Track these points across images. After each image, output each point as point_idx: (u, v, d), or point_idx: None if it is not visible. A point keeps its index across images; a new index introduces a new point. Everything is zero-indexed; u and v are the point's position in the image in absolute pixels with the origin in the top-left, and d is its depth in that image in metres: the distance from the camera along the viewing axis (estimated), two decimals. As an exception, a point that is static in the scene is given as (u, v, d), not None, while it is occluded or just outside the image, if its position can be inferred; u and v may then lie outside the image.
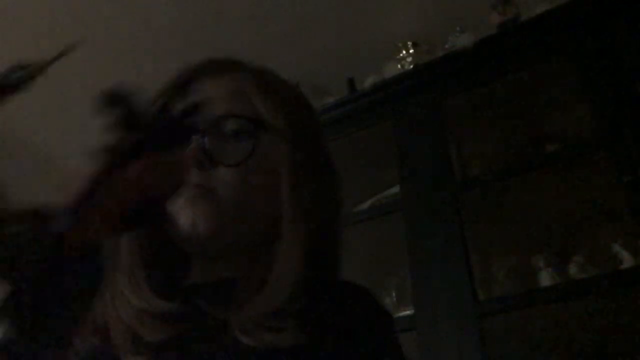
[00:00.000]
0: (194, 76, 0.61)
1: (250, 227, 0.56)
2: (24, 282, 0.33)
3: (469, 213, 1.50)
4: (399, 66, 1.82)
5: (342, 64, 2.09)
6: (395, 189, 1.63)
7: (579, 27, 1.49)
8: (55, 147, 2.29)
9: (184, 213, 0.53)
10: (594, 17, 1.48)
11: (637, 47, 1.41)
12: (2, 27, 2.02)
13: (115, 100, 0.38)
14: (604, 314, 1.31)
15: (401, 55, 1.83)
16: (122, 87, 0.37)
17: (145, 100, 0.40)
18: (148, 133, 0.37)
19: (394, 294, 1.70)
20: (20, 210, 0.36)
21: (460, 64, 1.64)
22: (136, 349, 0.49)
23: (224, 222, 0.54)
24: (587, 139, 1.46)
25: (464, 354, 1.26)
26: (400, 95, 1.70)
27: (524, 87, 1.60)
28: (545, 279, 1.46)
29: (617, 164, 1.30)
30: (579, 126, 1.54)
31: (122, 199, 0.36)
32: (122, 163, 0.35)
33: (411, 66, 1.78)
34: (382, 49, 1.92)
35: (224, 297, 0.53)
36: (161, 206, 0.45)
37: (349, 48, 2.14)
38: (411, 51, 1.82)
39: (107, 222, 0.35)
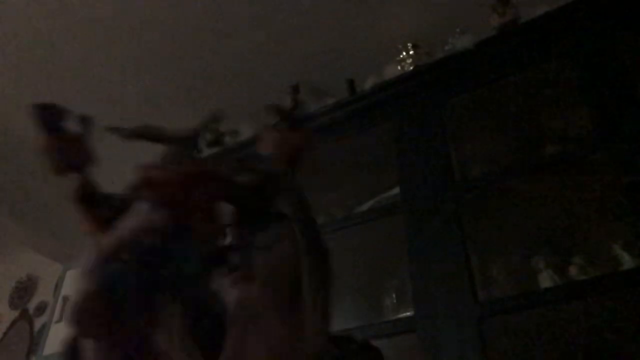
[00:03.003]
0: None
1: (278, 296, 0.68)
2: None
3: (469, 213, 1.50)
4: (399, 67, 1.83)
5: (342, 65, 2.10)
6: (396, 190, 1.63)
7: (578, 29, 1.49)
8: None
9: (232, 290, 0.65)
10: (593, 18, 1.48)
11: (636, 48, 1.41)
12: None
13: (46, 115, 0.48)
14: (604, 315, 1.31)
15: (401, 56, 1.83)
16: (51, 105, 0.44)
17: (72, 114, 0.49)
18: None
19: (394, 295, 1.70)
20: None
21: (460, 65, 1.64)
22: None
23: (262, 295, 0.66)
24: (587, 139, 1.46)
25: (464, 355, 1.26)
26: (400, 96, 1.71)
27: (524, 88, 1.61)
28: (545, 280, 1.46)
29: (617, 164, 1.30)
30: (579, 127, 1.54)
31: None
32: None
33: (411, 67, 1.79)
34: (383, 51, 1.92)
35: None
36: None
37: (349, 49, 2.14)
38: (411, 52, 1.82)
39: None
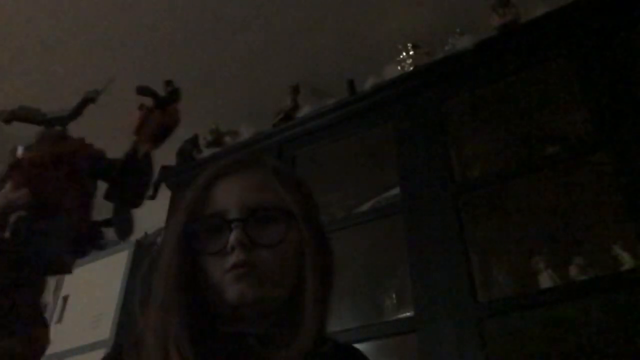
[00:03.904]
0: (220, 173, 0.74)
1: (281, 292, 0.69)
2: None
3: (469, 214, 1.50)
4: (399, 67, 1.83)
5: (343, 65, 2.10)
6: (396, 191, 1.63)
7: (578, 29, 1.49)
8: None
9: (233, 287, 0.66)
10: (593, 19, 1.48)
11: (636, 48, 1.42)
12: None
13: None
14: (604, 315, 1.31)
15: (401, 56, 1.84)
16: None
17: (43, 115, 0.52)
18: None
19: (394, 296, 1.70)
20: None
21: (460, 65, 1.64)
22: None
23: (265, 292, 0.67)
24: (586, 139, 1.46)
25: (464, 356, 1.26)
26: (400, 96, 1.71)
27: (524, 89, 1.61)
28: (545, 280, 1.46)
29: (617, 165, 1.30)
30: (579, 127, 1.54)
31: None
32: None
33: (411, 68, 1.79)
34: (382, 51, 1.92)
35: (262, 342, 0.67)
36: None
37: (349, 50, 2.15)
38: (411, 53, 1.83)
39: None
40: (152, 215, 2.44)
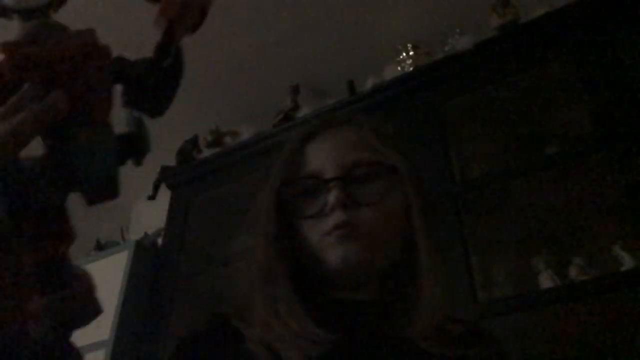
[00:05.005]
0: (311, 133, 0.70)
1: (387, 256, 0.64)
2: None
3: (469, 214, 1.50)
4: (399, 68, 1.83)
5: (342, 66, 2.10)
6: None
7: (578, 29, 1.49)
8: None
9: (335, 250, 0.61)
10: (592, 19, 1.48)
11: (636, 48, 1.41)
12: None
13: None
14: (604, 316, 1.31)
15: (401, 57, 1.84)
16: None
17: None
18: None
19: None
20: None
21: (460, 66, 1.64)
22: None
23: (370, 254, 0.62)
24: (586, 139, 1.46)
25: (464, 356, 1.26)
26: (400, 97, 1.71)
27: (524, 89, 1.61)
28: (545, 280, 1.46)
29: (617, 165, 1.30)
30: (579, 127, 1.54)
31: None
32: None
33: (411, 68, 1.79)
34: (382, 51, 1.92)
35: (376, 311, 0.62)
36: None
37: (349, 50, 2.15)
38: (411, 53, 1.83)
39: None
40: (152, 215, 2.44)
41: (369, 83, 1.84)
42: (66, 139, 0.33)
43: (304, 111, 1.94)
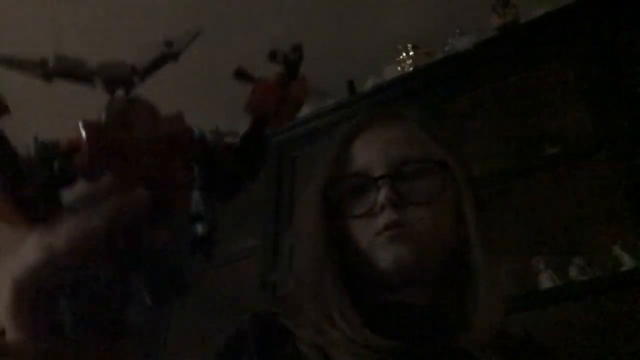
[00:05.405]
0: (358, 129, 0.67)
1: (440, 256, 0.62)
2: None
3: (468, 214, 1.49)
4: (399, 68, 1.83)
5: (342, 66, 2.10)
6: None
7: (578, 29, 1.49)
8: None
9: (386, 250, 0.59)
10: (593, 19, 1.48)
11: (636, 48, 1.41)
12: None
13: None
14: (604, 316, 1.31)
15: (401, 57, 1.84)
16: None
17: None
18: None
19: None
20: None
21: (460, 66, 1.65)
22: None
23: (423, 254, 0.59)
24: (586, 140, 1.46)
25: (464, 356, 1.26)
26: (400, 97, 1.71)
27: (524, 89, 1.61)
28: (546, 280, 1.45)
29: (617, 165, 1.30)
30: (579, 127, 1.54)
31: None
32: None
33: (411, 68, 1.79)
34: (382, 52, 1.92)
35: (432, 316, 0.59)
36: None
37: (349, 50, 2.15)
38: (411, 53, 1.83)
39: None
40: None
41: (369, 83, 1.84)
42: (140, 240, 0.28)
43: (304, 111, 1.94)
